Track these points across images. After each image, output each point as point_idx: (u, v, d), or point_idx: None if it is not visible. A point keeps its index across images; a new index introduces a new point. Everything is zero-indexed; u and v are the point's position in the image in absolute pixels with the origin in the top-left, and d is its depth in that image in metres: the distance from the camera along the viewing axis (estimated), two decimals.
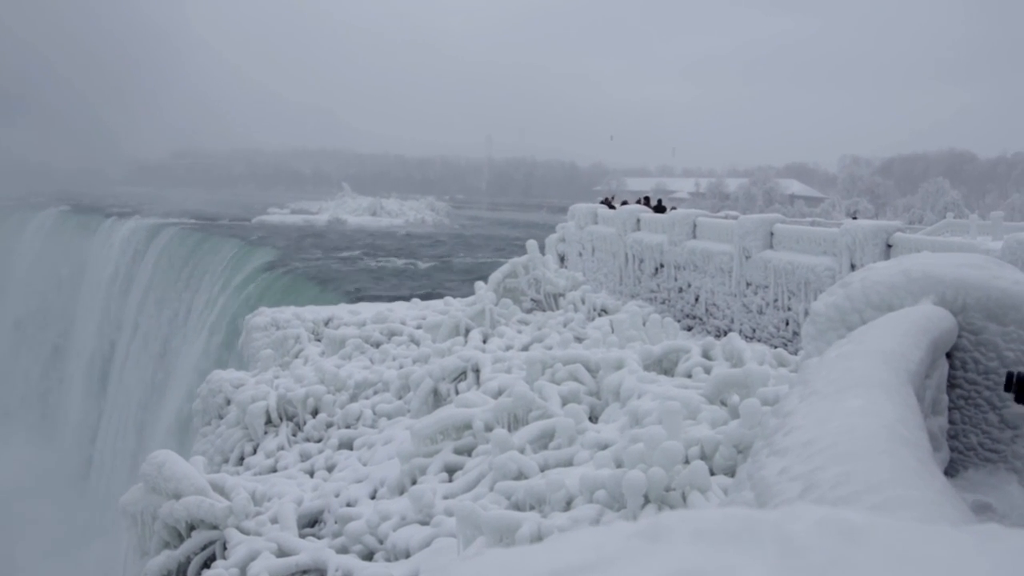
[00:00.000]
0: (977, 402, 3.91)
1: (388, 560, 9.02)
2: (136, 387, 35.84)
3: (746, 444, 8.23)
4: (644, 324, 15.68)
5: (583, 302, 20.02)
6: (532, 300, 20.93)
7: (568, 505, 8.28)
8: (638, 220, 21.14)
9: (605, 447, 9.74)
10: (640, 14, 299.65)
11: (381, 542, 9.35)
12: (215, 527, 9.95)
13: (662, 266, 19.68)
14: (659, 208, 23.51)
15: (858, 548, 0.88)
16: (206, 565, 9.83)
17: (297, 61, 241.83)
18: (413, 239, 57.33)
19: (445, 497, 9.76)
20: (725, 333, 16.32)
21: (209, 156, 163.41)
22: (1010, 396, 3.48)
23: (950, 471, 3.85)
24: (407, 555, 8.91)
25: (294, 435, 14.33)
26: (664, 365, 13.07)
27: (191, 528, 10.14)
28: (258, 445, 14.39)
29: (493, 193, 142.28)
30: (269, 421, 14.63)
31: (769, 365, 12.03)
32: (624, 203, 25.01)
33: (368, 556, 9.32)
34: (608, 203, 26.13)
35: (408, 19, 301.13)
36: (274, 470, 13.20)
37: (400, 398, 14.74)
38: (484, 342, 16.92)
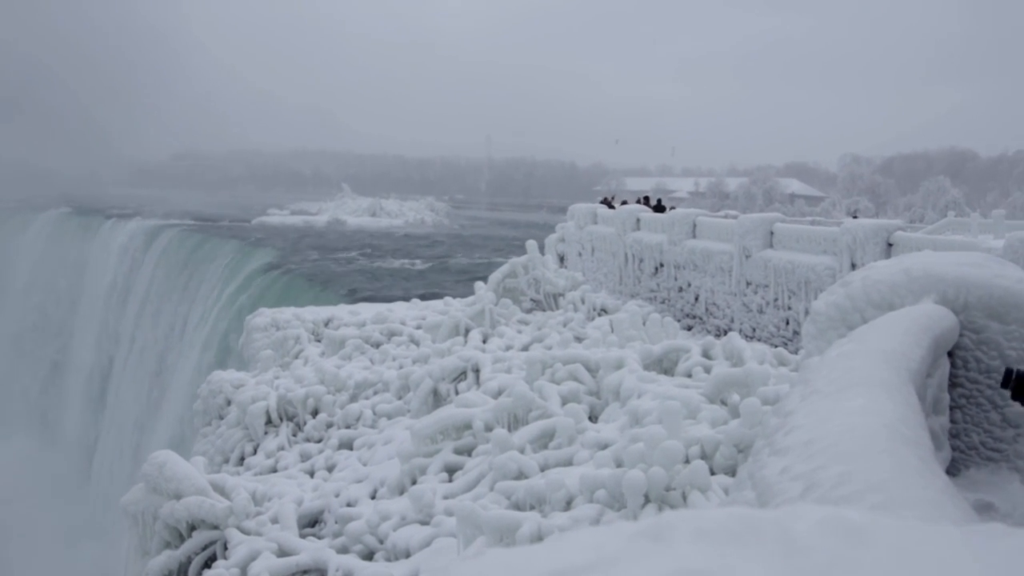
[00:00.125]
0: (979, 401, 3.91)
1: (388, 560, 9.02)
2: (133, 406, 35.74)
3: (746, 443, 8.23)
4: (644, 324, 15.68)
5: (583, 302, 20.02)
6: (532, 300, 20.93)
7: (568, 505, 8.27)
8: (638, 220, 21.14)
9: (605, 447, 9.74)
10: (638, 13, 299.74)
11: (381, 542, 9.35)
12: (216, 527, 9.95)
13: (662, 266, 19.68)
14: (659, 208, 23.51)
15: (861, 548, 0.88)
16: (207, 565, 9.83)
17: (295, 63, 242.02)
18: (413, 239, 57.33)
19: (445, 497, 9.76)
20: (725, 332, 16.32)
21: (208, 158, 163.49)
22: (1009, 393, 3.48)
23: (952, 470, 3.84)
24: (407, 555, 8.91)
25: (294, 435, 14.33)
26: (664, 365, 13.07)
27: (192, 528, 10.14)
28: (258, 445, 14.39)
29: (493, 193, 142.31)
30: (269, 421, 14.63)
31: (769, 364, 12.03)
32: (624, 203, 25.01)
33: (368, 556, 9.32)
34: (608, 203, 26.13)
35: (406, 20, 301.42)
36: (274, 470, 13.20)
37: (400, 398, 14.74)
38: (484, 342, 16.92)
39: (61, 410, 44.98)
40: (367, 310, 21.42)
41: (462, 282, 31.21)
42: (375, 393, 15.18)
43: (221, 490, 10.34)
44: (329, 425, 14.32)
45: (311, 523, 10.68)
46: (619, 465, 8.41)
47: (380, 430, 13.68)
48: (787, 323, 15.28)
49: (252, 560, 8.98)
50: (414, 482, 10.67)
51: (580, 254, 23.92)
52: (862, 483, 1.69)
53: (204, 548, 10.04)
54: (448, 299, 21.94)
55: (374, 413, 14.37)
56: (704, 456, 8.37)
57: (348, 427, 14.15)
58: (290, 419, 14.67)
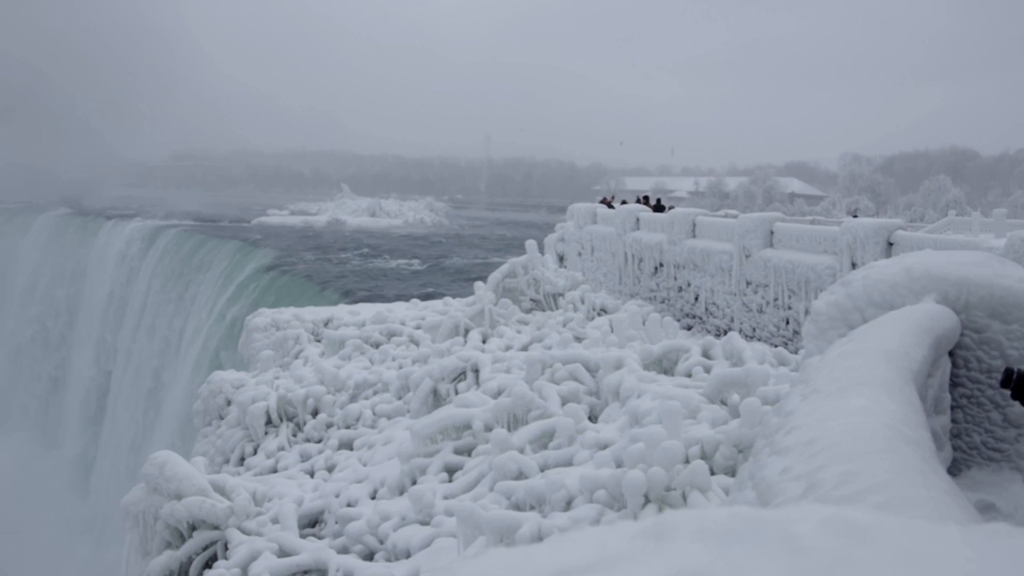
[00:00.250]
0: (980, 401, 3.90)
1: (388, 560, 9.02)
2: (129, 425, 35.57)
3: (746, 444, 8.23)
4: (644, 323, 15.67)
5: (582, 302, 20.02)
6: (531, 300, 20.93)
7: (568, 505, 8.27)
8: (637, 219, 21.14)
9: (605, 447, 9.74)
10: (637, 12, 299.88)
11: (381, 542, 9.34)
12: (216, 527, 9.95)
13: (661, 265, 19.68)
14: (658, 207, 23.50)
15: (864, 547, 0.87)
16: (208, 565, 9.83)
17: (294, 64, 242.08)
18: (412, 240, 57.33)
19: (445, 497, 9.76)
20: (725, 332, 16.32)
21: (209, 158, 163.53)
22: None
23: (953, 470, 3.83)
24: (407, 555, 8.90)
25: (294, 435, 14.32)
26: (664, 364, 13.06)
27: (192, 528, 10.14)
28: (258, 446, 14.38)
29: (492, 193, 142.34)
30: (269, 422, 14.62)
31: (769, 364, 12.03)
32: (623, 202, 25.01)
33: (368, 556, 9.32)
34: (607, 203, 26.13)
35: (405, 21, 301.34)
36: (274, 470, 13.20)
37: (400, 398, 14.74)
38: (483, 342, 16.92)
39: (60, 428, 44.46)
40: (367, 310, 21.42)
41: (461, 282, 31.21)
42: (375, 393, 15.17)
43: (222, 490, 10.34)
44: (329, 425, 14.31)
45: (311, 523, 10.68)
46: (619, 465, 8.41)
47: (380, 430, 13.67)
48: (787, 323, 15.28)
49: (253, 560, 8.98)
50: (414, 482, 10.67)
51: (580, 254, 23.92)
52: (864, 483, 1.69)
53: (205, 548, 10.04)
54: (447, 299, 21.94)
55: (374, 413, 14.37)
56: (704, 456, 8.37)
57: (348, 427, 14.14)
58: (290, 419, 14.66)
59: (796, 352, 13.63)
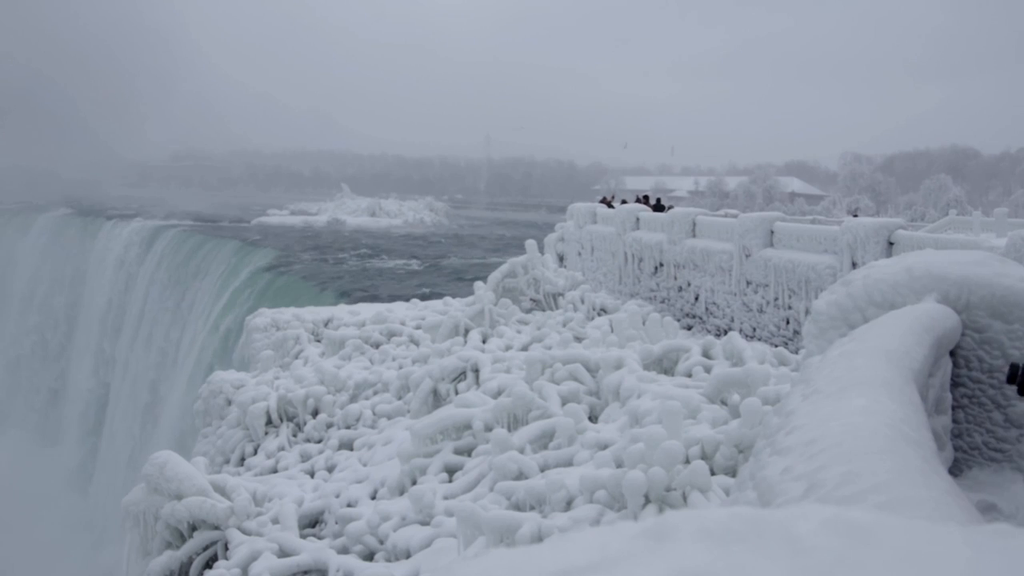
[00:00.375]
0: (981, 401, 3.89)
1: (389, 560, 9.01)
2: (127, 440, 35.42)
3: (747, 444, 8.22)
4: (644, 323, 15.67)
5: (582, 301, 20.01)
6: (531, 300, 20.92)
7: (568, 505, 8.27)
8: (637, 219, 21.13)
9: (605, 447, 9.74)
10: (636, 11, 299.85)
11: (382, 542, 9.34)
12: (217, 527, 9.95)
13: (661, 265, 19.67)
14: (658, 207, 23.50)
15: (867, 548, 0.87)
16: (208, 565, 9.83)
17: (294, 65, 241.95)
18: (412, 239, 57.32)
19: (445, 497, 9.76)
20: (725, 332, 16.31)
21: (208, 158, 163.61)
22: (1014, 395, 3.46)
23: (954, 470, 3.82)
24: (408, 555, 8.90)
25: (294, 436, 14.32)
26: (664, 364, 13.06)
27: (193, 528, 10.14)
28: (259, 446, 14.38)
29: (492, 193, 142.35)
30: (269, 422, 14.62)
31: (770, 364, 12.02)
32: (623, 202, 25.00)
33: (369, 556, 9.31)
34: (607, 202, 26.12)
35: (403, 21, 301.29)
36: (275, 471, 13.19)
37: (400, 398, 14.73)
38: (483, 342, 16.92)
39: (59, 440, 44.03)
40: (366, 310, 21.41)
41: (461, 282, 31.20)
42: (375, 393, 15.17)
43: (222, 490, 10.34)
44: (329, 425, 14.31)
45: (312, 523, 10.67)
46: (619, 465, 8.41)
47: (380, 430, 13.67)
48: (787, 322, 15.28)
49: (253, 560, 8.98)
50: (414, 482, 10.67)
51: (579, 253, 23.91)
52: (865, 483, 1.68)
53: (205, 548, 10.04)
54: (447, 299, 21.93)
55: (374, 413, 14.36)
56: (704, 456, 8.36)
57: (348, 427, 14.14)
58: (290, 419, 14.66)
59: (796, 352, 13.62)
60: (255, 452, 14.32)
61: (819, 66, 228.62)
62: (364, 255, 45.03)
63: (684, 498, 7.53)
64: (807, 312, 13.95)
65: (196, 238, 45.85)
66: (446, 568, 0.93)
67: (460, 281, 32.35)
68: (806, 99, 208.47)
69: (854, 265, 13.38)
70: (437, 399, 13.92)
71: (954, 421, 3.88)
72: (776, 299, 15.57)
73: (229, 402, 15.96)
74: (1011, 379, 3.33)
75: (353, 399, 14.98)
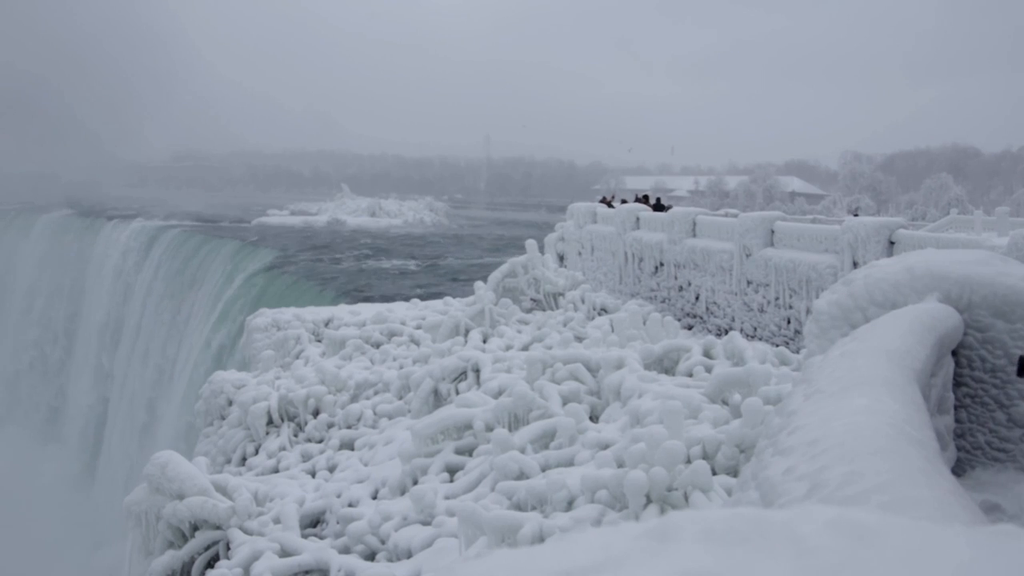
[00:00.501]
0: (984, 400, 3.88)
1: (390, 560, 9.01)
2: (124, 460, 35.22)
3: (748, 443, 8.22)
4: (644, 323, 15.66)
5: (583, 301, 20.01)
6: (532, 300, 20.91)
7: (570, 505, 8.26)
8: (637, 219, 21.13)
9: (606, 447, 9.73)
10: (635, 10, 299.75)
11: (383, 542, 9.34)
12: (218, 527, 9.95)
13: (662, 265, 19.66)
14: (658, 207, 23.49)
15: (871, 548, 0.87)
16: (210, 565, 9.83)
17: (292, 66, 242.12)
18: (412, 239, 57.29)
19: (446, 497, 9.76)
20: (726, 332, 16.30)
21: (208, 158, 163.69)
22: (1018, 395, 3.45)
23: (957, 470, 3.82)
24: (409, 555, 8.90)
25: (295, 435, 14.32)
26: (665, 364, 13.05)
27: (195, 528, 10.14)
28: (260, 446, 14.38)
29: (492, 193, 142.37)
30: (271, 422, 14.62)
31: (771, 364, 12.01)
32: (623, 202, 24.99)
33: (370, 556, 9.31)
34: (607, 202, 26.11)
35: (402, 21, 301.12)
36: (276, 470, 13.20)
37: (400, 398, 14.73)
38: (484, 342, 16.91)
39: (58, 458, 43.27)
40: (367, 310, 21.41)
41: (461, 282, 31.19)
42: (376, 393, 15.17)
43: (223, 490, 10.34)
44: (330, 425, 14.31)
45: (313, 523, 10.67)
46: (620, 465, 8.40)
47: (381, 430, 13.67)
48: (788, 322, 15.26)
49: (255, 560, 8.98)
50: (415, 482, 10.67)
51: (580, 253, 23.90)
52: (868, 483, 1.68)
53: (207, 548, 10.04)
54: (448, 299, 21.92)
55: (375, 413, 14.36)
56: (706, 456, 8.36)
57: (349, 427, 14.14)
58: (291, 419, 14.66)
59: (797, 351, 13.61)
60: (256, 452, 14.32)
61: (818, 65, 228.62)
62: (364, 255, 45.00)
63: (686, 498, 7.52)
64: (808, 312, 13.95)
65: (192, 243, 45.07)
66: (449, 568, 0.93)
67: (460, 281, 32.33)
68: (805, 98, 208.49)
69: (855, 265, 13.37)
70: (438, 399, 13.92)
71: (957, 421, 3.88)
72: (777, 299, 15.56)
73: (230, 402, 15.97)
74: (1021, 371, 3.33)
75: (354, 399, 14.98)
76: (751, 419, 8.34)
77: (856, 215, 30.84)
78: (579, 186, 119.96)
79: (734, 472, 8.22)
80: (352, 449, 13.29)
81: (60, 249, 56.00)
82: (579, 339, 16.58)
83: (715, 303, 17.63)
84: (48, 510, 37.81)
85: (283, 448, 13.86)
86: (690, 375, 12.40)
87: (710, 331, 17.47)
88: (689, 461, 7.89)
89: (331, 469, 12.62)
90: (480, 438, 11.00)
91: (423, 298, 23.86)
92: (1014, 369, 3.63)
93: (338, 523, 10.18)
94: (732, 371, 10.52)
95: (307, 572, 8.92)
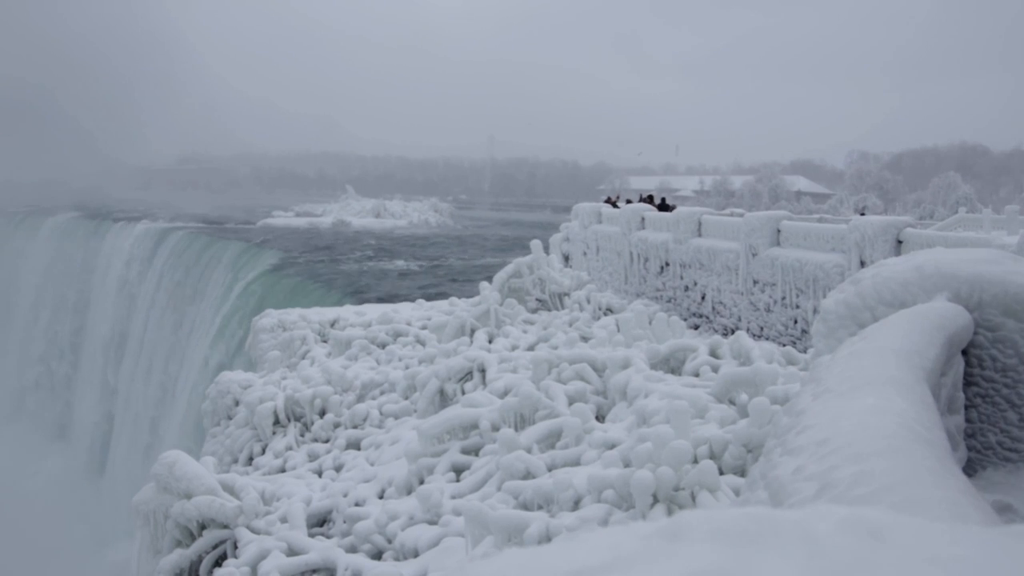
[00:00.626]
0: (995, 400, 3.86)
1: (397, 559, 9.03)
2: (126, 487, 35.04)
3: (755, 443, 8.19)
4: (650, 323, 15.63)
5: (588, 301, 19.99)
6: (537, 300, 20.91)
7: (576, 505, 8.26)
8: (642, 219, 21.10)
9: (612, 446, 9.72)
10: (639, 9, 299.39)
11: (390, 541, 9.36)
12: (226, 526, 9.99)
13: (667, 264, 19.63)
14: (663, 206, 23.45)
15: (885, 548, 0.86)
16: (217, 564, 9.87)
17: (293, 71, 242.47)
18: (417, 240, 57.38)
19: (453, 497, 9.76)
20: (732, 331, 16.27)
21: (213, 160, 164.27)
22: None
23: (968, 471, 3.79)
24: (415, 554, 8.91)
25: (302, 435, 14.36)
26: (671, 364, 13.02)
27: (202, 527, 10.18)
28: (267, 445, 14.43)
29: (496, 193, 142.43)
30: (277, 422, 14.67)
31: (778, 363, 11.97)
32: (628, 202, 24.95)
33: (377, 555, 9.33)
34: (612, 202, 26.08)
35: (403, 23, 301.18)
36: (283, 470, 13.23)
37: (406, 398, 14.75)
38: (489, 342, 16.91)
39: (65, 476, 42.77)
40: (373, 311, 21.44)
41: (467, 282, 31.20)
42: (381, 393, 15.19)
43: (231, 490, 10.38)
44: (336, 425, 14.34)
45: (320, 522, 10.69)
46: (627, 465, 8.39)
47: (387, 430, 13.69)
48: (795, 322, 15.21)
49: (262, 559, 9.01)
50: (421, 482, 10.68)
51: (585, 253, 23.88)
52: (878, 483, 1.67)
53: (214, 547, 10.08)
54: (453, 299, 21.93)
55: (381, 413, 14.38)
56: (713, 456, 8.33)
57: (355, 427, 14.16)
58: (298, 419, 14.70)
59: (804, 351, 13.56)
60: (263, 452, 14.37)
61: (825, 64, 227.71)
62: (369, 256, 45.07)
63: (692, 498, 7.51)
64: (815, 311, 13.88)
65: (194, 249, 44.60)
66: (460, 568, 0.93)
67: (465, 281, 32.35)
68: (811, 97, 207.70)
69: (862, 264, 13.31)
70: (444, 399, 13.93)
71: (967, 421, 3.85)
72: (783, 298, 15.51)
73: (237, 402, 16.02)
74: None
75: (360, 399, 15.01)
76: (758, 419, 8.32)
77: (863, 214, 30.66)
78: (584, 186, 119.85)
79: (741, 472, 8.20)
80: (358, 449, 13.31)
81: (65, 256, 55.87)
82: (585, 339, 16.56)
83: (721, 303, 17.59)
84: (57, 523, 37.49)
85: (290, 448, 13.90)
86: (696, 375, 12.38)
87: (716, 331, 17.43)
88: (696, 461, 7.87)
89: (337, 469, 12.65)
90: (486, 438, 11.00)
91: (428, 298, 23.88)
92: None
93: (345, 522, 10.20)
94: (739, 371, 10.48)
95: (314, 571, 8.94)
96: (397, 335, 18.90)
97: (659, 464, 7.56)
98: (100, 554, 32.61)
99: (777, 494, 2.07)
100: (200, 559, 10.10)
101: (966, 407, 3.82)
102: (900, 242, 13.21)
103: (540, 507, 8.43)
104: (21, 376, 51.92)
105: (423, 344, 18.02)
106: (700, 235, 18.63)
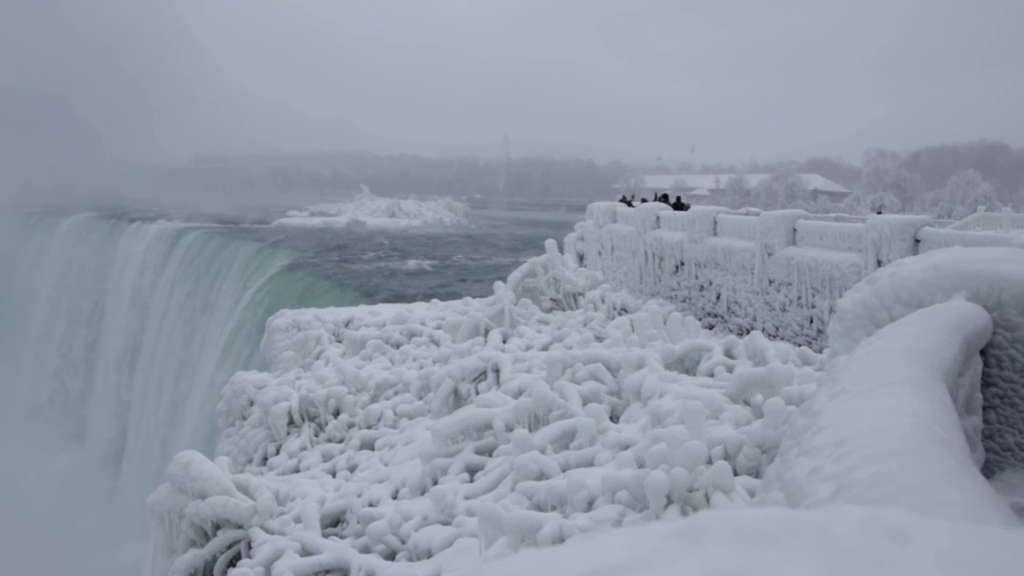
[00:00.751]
0: (1014, 401, 3.81)
1: (410, 560, 9.06)
2: (138, 510, 35.06)
3: (771, 444, 8.13)
4: (665, 323, 15.56)
5: (603, 301, 19.93)
6: (551, 299, 20.88)
7: (590, 506, 8.24)
8: (657, 218, 21.01)
9: (627, 447, 9.69)
10: (654, 8, 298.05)
11: (403, 542, 9.39)
12: (240, 526, 10.07)
13: (682, 264, 19.53)
14: (678, 205, 23.34)
15: (905, 549, 0.86)
16: (232, 564, 9.96)
17: (308, 72, 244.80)
18: (431, 239, 57.54)
19: (466, 497, 9.78)
20: (747, 331, 16.16)
21: (229, 160, 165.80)
22: None
23: (986, 472, 3.74)
24: (429, 555, 8.93)
25: (316, 435, 14.44)
26: (686, 364, 12.96)
27: (217, 527, 10.28)
28: (281, 445, 14.53)
29: (511, 192, 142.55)
30: (291, 422, 14.76)
31: (793, 364, 11.87)
32: (643, 201, 24.86)
33: (390, 556, 9.37)
34: (627, 201, 26.00)
35: (419, 23, 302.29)
36: (297, 470, 13.32)
37: (420, 398, 14.79)
38: (504, 342, 16.92)
39: (78, 495, 41.67)
40: (387, 310, 21.53)
41: (481, 282, 31.24)
42: (396, 393, 15.24)
43: (245, 490, 10.47)
44: (350, 425, 14.41)
45: (333, 523, 10.75)
46: (641, 466, 8.36)
47: (401, 430, 13.73)
48: (811, 321, 15.07)
49: (276, 559, 9.07)
50: (435, 482, 10.71)
51: (599, 253, 23.82)
52: (896, 484, 1.66)
53: (229, 547, 10.16)
54: (467, 299, 21.97)
55: (395, 413, 14.43)
56: (727, 457, 8.28)
57: (369, 427, 14.22)
58: (312, 419, 14.79)
59: (820, 351, 13.44)
60: (277, 452, 14.47)
61: (841, 62, 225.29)
62: (383, 256, 45.25)
63: (707, 499, 7.47)
64: (831, 311, 13.75)
65: (206, 253, 44.45)
66: (476, 569, 0.93)
67: (479, 281, 32.39)
68: (828, 95, 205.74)
69: (879, 263, 13.17)
70: (458, 399, 13.95)
71: (985, 422, 3.80)
72: (799, 298, 15.38)
73: (251, 402, 16.15)
74: None
75: (374, 399, 15.07)
76: (773, 419, 8.25)
77: (880, 213, 30.33)
78: (599, 185, 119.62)
79: (756, 473, 8.14)
80: (372, 449, 13.37)
81: (80, 263, 55.88)
82: (599, 339, 16.53)
83: (736, 302, 17.47)
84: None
85: (304, 448, 13.99)
86: (711, 375, 12.30)
87: (731, 331, 17.32)
88: (710, 462, 7.83)
89: (351, 469, 12.71)
90: (500, 438, 11.01)
91: (442, 298, 23.93)
92: None
93: (358, 523, 10.25)
94: (754, 371, 10.41)
95: (328, 571, 8.99)
96: (411, 335, 18.96)
97: (673, 465, 7.53)
98: (113, 555, 32.82)
99: (794, 495, 2.06)
100: (214, 559, 10.20)
101: (984, 408, 3.77)
102: (918, 241, 13.05)
103: (554, 508, 8.43)
104: (35, 392, 51.72)
105: (437, 344, 18.05)
106: (715, 234, 18.52)
